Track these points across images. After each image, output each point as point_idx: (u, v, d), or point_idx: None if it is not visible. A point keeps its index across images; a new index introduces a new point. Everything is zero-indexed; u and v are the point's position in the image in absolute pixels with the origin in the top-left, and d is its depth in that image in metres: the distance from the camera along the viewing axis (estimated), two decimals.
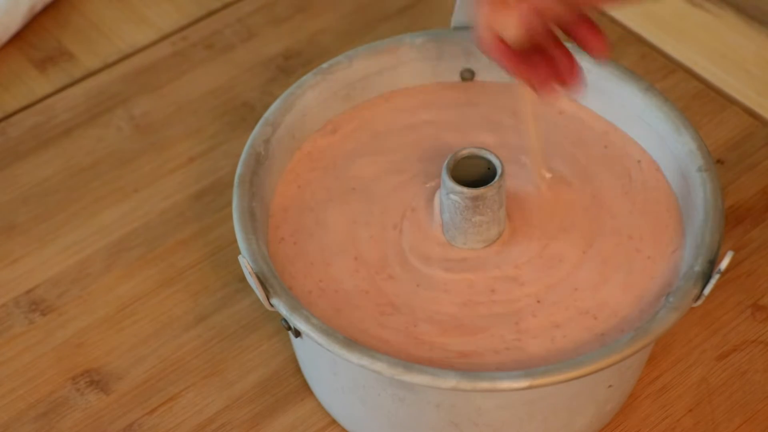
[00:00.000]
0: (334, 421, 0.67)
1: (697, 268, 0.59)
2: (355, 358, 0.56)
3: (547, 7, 0.56)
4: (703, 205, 0.61)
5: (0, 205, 0.78)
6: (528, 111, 0.64)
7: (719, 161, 0.78)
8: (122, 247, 0.75)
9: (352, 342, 0.56)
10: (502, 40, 0.57)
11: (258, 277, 0.59)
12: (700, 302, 0.58)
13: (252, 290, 0.60)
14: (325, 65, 0.68)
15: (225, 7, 0.89)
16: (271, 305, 0.59)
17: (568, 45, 0.60)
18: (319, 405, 0.67)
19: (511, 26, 0.56)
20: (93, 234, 0.76)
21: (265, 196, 0.64)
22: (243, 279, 0.72)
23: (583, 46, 0.58)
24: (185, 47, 0.87)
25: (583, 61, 0.67)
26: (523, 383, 0.55)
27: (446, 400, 0.59)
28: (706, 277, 0.58)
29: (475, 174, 0.62)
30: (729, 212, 0.75)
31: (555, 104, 0.68)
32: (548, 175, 0.65)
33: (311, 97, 0.68)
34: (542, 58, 0.59)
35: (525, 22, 0.56)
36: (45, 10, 0.89)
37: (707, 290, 0.58)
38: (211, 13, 0.89)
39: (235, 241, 0.61)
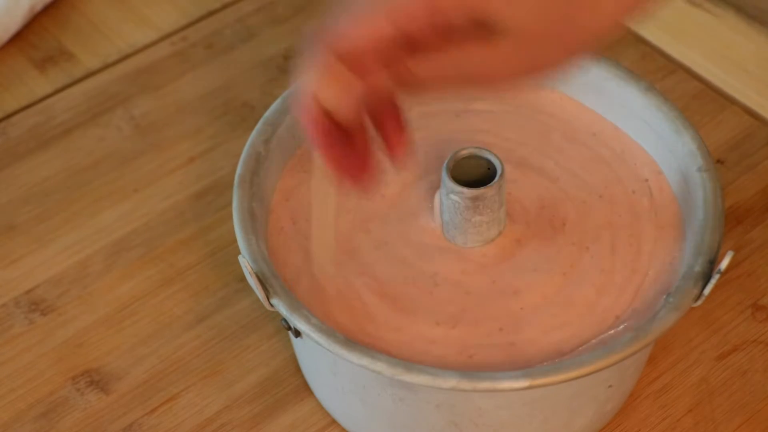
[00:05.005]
0: (334, 421, 0.67)
1: (697, 268, 0.59)
2: (355, 358, 0.56)
3: (386, 86, 0.48)
4: (703, 206, 0.61)
5: (0, 205, 0.78)
6: (322, 190, 0.58)
7: (719, 161, 0.78)
8: (122, 247, 0.75)
9: (352, 342, 0.56)
10: (325, 114, 0.49)
11: (258, 277, 0.59)
12: (700, 302, 0.58)
13: (252, 290, 0.60)
14: None
15: (225, 7, 0.89)
16: (271, 305, 0.59)
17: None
18: (319, 405, 0.67)
19: (343, 105, 0.48)
20: (93, 234, 0.76)
21: (265, 195, 0.64)
22: (243, 279, 0.72)
23: (384, 144, 0.52)
24: (185, 47, 0.87)
25: (583, 61, 0.67)
26: (523, 383, 0.55)
27: (446, 400, 0.59)
28: (706, 277, 0.58)
29: (475, 174, 0.62)
30: (729, 212, 0.75)
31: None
32: (332, 272, 0.60)
33: None
34: (359, 140, 0.51)
35: (360, 101, 0.48)
36: (45, 10, 0.89)
37: (707, 290, 0.58)
38: (211, 13, 0.89)
39: (235, 241, 0.61)
